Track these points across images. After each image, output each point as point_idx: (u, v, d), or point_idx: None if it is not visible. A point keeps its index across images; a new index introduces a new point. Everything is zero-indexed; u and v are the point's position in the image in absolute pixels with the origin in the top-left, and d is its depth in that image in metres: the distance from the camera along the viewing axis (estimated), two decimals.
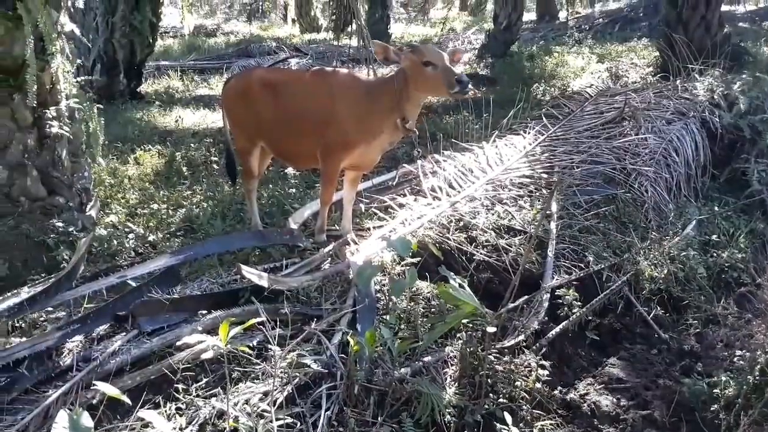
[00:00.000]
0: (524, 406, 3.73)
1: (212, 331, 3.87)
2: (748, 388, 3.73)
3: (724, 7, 15.08)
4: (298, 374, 3.60)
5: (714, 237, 5.98)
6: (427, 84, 4.75)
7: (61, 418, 2.52)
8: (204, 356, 3.59)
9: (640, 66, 13.26)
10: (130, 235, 5.70)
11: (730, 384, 3.87)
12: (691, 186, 7.17)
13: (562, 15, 25.17)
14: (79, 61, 10.08)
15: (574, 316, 4.63)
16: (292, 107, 5.17)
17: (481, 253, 5.24)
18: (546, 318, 4.64)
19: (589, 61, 14.47)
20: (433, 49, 4.84)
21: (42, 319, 4.30)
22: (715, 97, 8.43)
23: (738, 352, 4.26)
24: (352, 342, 3.57)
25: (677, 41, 10.67)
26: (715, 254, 5.63)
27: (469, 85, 4.63)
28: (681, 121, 7.90)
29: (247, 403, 3.34)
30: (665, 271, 5.24)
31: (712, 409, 3.84)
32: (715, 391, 3.89)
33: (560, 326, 4.56)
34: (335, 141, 5.02)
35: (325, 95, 5.08)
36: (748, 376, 3.79)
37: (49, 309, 4.38)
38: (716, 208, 6.56)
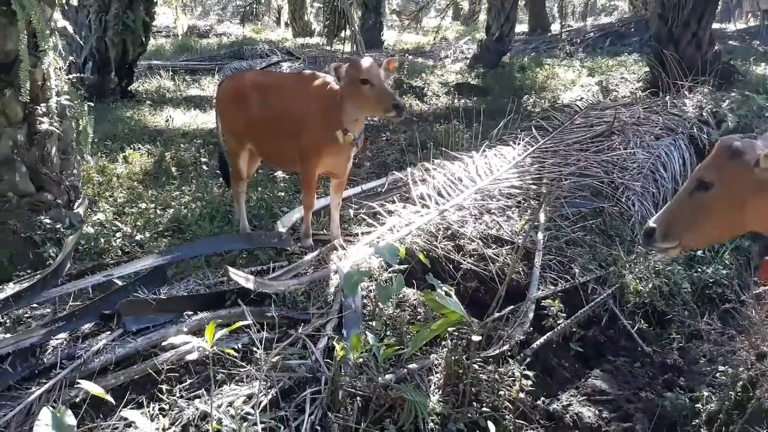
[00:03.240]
0: (507, 416, 3.75)
1: (197, 332, 3.86)
2: (730, 404, 3.75)
3: (715, 25, 15.20)
4: (282, 378, 3.60)
5: (699, 253, 6.02)
6: (364, 103, 4.75)
7: (44, 416, 2.51)
8: (189, 357, 3.59)
9: (630, 81, 13.33)
10: (118, 234, 5.69)
11: (712, 399, 3.90)
12: None
13: (555, 28, 25.32)
14: (71, 58, 10.10)
15: (559, 327, 4.65)
16: (275, 110, 5.21)
17: (468, 262, 5.25)
18: (531, 328, 4.66)
19: (580, 74, 14.58)
20: (370, 64, 4.76)
21: (27, 315, 4.27)
22: (704, 114, 8.49)
23: (720, 368, 4.29)
24: (337, 347, 3.56)
25: (668, 57, 10.76)
26: (699, 270, 5.67)
27: (402, 114, 4.62)
28: (669, 137, 7.95)
29: (230, 406, 3.33)
30: (650, 285, 5.27)
31: (693, 423, 3.87)
32: (697, 405, 3.92)
33: (545, 337, 4.58)
34: (307, 145, 5.06)
35: (300, 100, 5.12)
36: (730, 392, 3.82)
37: (35, 305, 4.36)
38: None
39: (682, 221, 3.13)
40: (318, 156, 5.10)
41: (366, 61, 4.79)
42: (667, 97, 9.49)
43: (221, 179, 6.43)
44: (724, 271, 5.61)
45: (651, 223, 3.19)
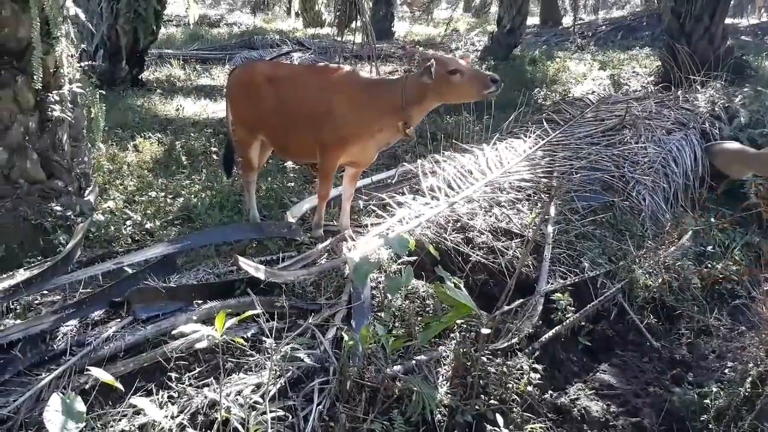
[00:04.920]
0: (515, 409, 3.74)
1: (207, 320, 3.87)
2: (739, 400, 3.75)
3: (728, 20, 15.10)
4: (291, 368, 3.60)
5: (709, 248, 5.99)
6: (458, 91, 4.82)
7: (54, 402, 2.53)
8: (198, 346, 3.60)
9: (641, 75, 13.28)
10: (128, 222, 5.71)
11: (720, 395, 3.89)
12: (688, 196, 7.18)
13: (566, 21, 25.21)
14: (82, 46, 10.11)
15: (568, 321, 4.65)
16: (292, 102, 5.19)
17: (477, 255, 5.25)
18: (540, 322, 4.66)
19: (591, 67, 14.52)
20: (451, 57, 4.88)
21: (37, 302, 4.30)
22: (716, 109, 8.46)
23: (729, 364, 4.29)
24: (346, 338, 3.57)
25: (680, 52, 10.71)
26: (709, 265, 5.64)
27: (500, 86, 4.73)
28: (681, 132, 7.93)
29: (239, 395, 3.34)
30: (659, 280, 5.25)
31: (702, 419, 3.85)
32: (705, 401, 3.90)
33: (553, 331, 4.58)
34: (332, 137, 5.04)
35: (323, 91, 5.10)
36: (739, 388, 3.81)
37: (45, 292, 4.38)
38: (712, 220, 6.55)
39: None
40: (344, 147, 5.09)
41: (447, 57, 4.94)
42: (679, 92, 9.46)
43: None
44: (734, 267, 5.58)
45: None
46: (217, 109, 10.59)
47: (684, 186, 7.22)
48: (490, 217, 5.81)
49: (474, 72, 4.81)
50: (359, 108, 4.99)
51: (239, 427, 3.07)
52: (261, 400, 3.22)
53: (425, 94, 4.85)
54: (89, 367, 3.20)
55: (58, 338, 3.79)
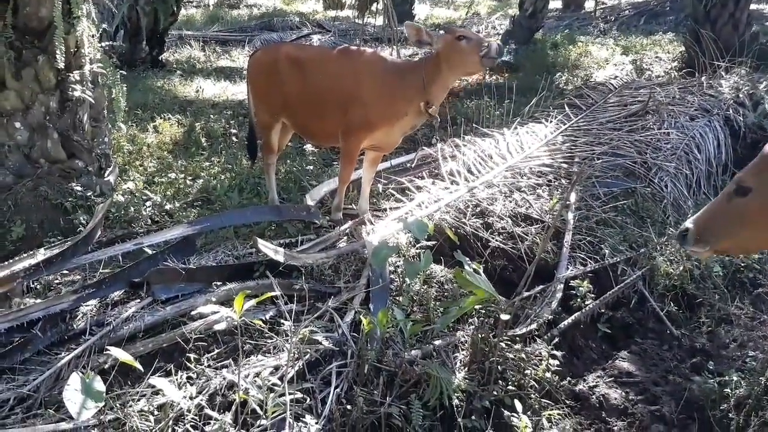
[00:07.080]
0: (533, 395, 3.73)
1: (226, 302, 3.87)
2: (760, 390, 3.71)
3: (753, 6, 14.88)
4: (309, 350, 3.61)
5: None
6: (462, 58, 4.71)
7: (74, 381, 2.54)
8: (217, 327, 3.62)
9: (664, 60, 13.11)
10: (148, 203, 5.72)
11: (741, 384, 3.86)
12: (711, 184, 7.12)
13: (588, 5, 24.93)
14: (103, 26, 10.12)
15: (587, 308, 4.62)
16: (317, 85, 5.14)
17: (496, 240, 5.22)
18: (559, 308, 4.64)
19: (613, 52, 14.34)
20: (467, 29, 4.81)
21: (57, 281, 4.33)
22: (741, 95, 8.36)
23: (750, 353, 4.25)
24: (364, 321, 3.57)
25: (704, 37, 10.57)
26: None
27: (500, 53, 4.61)
28: (705, 118, 7.85)
29: (257, 376, 3.34)
30: (681, 268, 5.20)
31: (721, 408, 3.83)
32: (725, 390, 3.88)
33: (572, 317, 4.55)
34: (357, 121, 5.00)
35: (350, 75, 5.05)
36: (760, 377, 3.78)
37: (65, 272, 4.41)
38: None
39: (717, 226, 2.99)
40: (370, 131, 5.05)
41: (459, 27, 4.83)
42: (703, 78, 9.34)
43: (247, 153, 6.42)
44: (757, 256, 5.52)
45: (687, 223, 3.06)
46: (237, 90, 10.58)
47: (707, 173, 7.15)
48: (510, 202, 5.78)
49: (479, 39, 4.69)
50: (389, 91, 4.94)
51: (257, 408, 3.07)
52: (279, 382, 3.22)
53: (440, 67, 4.80)
54: (108, 347, 3.22)
55: (77, 318, 3.82)
